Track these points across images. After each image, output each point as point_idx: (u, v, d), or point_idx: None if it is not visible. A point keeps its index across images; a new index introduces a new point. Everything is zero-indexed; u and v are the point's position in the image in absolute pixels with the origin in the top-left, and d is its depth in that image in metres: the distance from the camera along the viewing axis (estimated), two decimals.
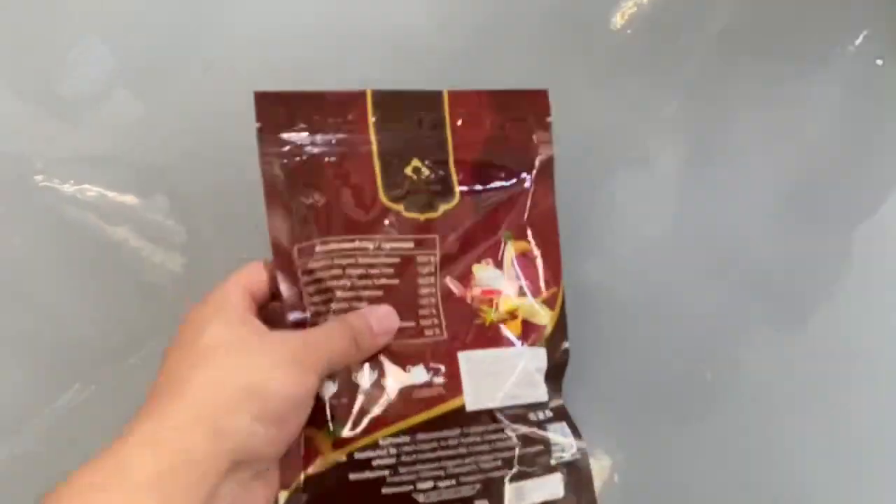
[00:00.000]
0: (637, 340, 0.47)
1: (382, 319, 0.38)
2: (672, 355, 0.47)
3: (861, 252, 0.48)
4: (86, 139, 0.45)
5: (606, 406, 0.46)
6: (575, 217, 0.46)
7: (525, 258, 0.42)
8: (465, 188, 0.41)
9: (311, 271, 0.39)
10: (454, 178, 0.41)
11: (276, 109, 0.39)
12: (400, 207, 0.40)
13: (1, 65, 0.45)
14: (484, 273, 0.41)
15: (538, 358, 0.40)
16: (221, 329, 0.35)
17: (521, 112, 0.42)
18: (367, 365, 0.38)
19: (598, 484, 0.42)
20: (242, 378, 0.33)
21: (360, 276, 0.39)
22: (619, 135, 0.49)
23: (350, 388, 0.37)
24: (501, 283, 0.41)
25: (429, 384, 0.38)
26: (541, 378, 0.40)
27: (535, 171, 0.42)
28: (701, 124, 0.49)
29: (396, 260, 0.40)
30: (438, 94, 0.41)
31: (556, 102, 0.42)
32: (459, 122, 0.41)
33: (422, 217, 0.40)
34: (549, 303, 0.41)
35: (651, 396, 0.46)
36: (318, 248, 0.39)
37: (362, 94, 0.40)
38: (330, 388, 0.37)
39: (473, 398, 0.38)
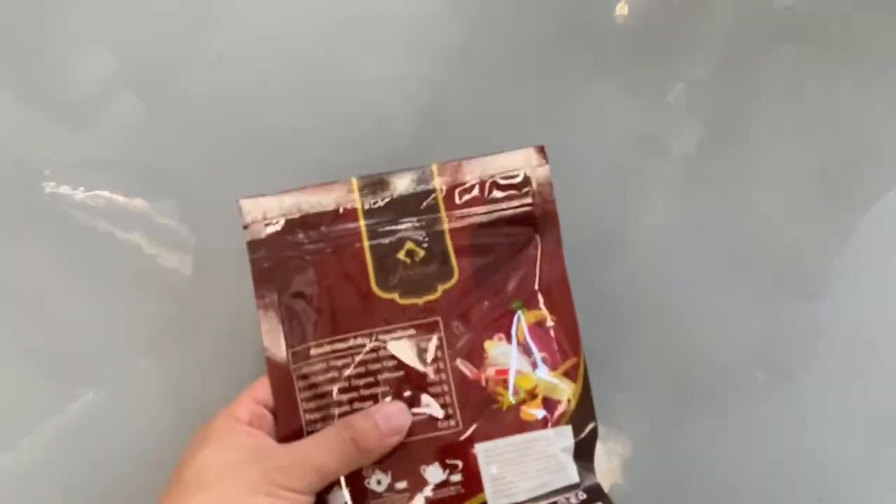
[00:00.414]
0: (663, 335, 0.45)
1: (391, 418, 0.36)
2: (699, 347, 0.45)
3: (891, 235, 0.46)
4: (92, 144, 0.45)
5: (636, 398, 0.45)
6: (590, 211, 0.45)
7: (540, 328, 0.39)
8: (464, 263, 0.39)
9: (305, 376, 0.37)
10: (451, 254, 0.39)
11: (261, 211, 0.38)
12: (395, 296, 0.38)
13: (6, 72, 0.45)
14: (496, 350, 0.38)
15: (564, 437, 0.37)
16: (212, 455, 0.34)
17: (517, 173, 0.39)
18: (378, 468, 0.36)
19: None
20: None
21: (359, 375, 0.37)
22: (628, 123, 0.47)
23: (362, 495, 0.36)
24: (516, 359, 0.38)
25: (446, 483, 0.36)
26: (569, 458, 0.37)
27: (538, 234, 0.39)
28: (713, 111, 0.47)
29: (398, 351, 0.38)
30: (426, 169, 0.39)
31: (561, 93, 0.43)
32: (452, 195, 0.39)
33: (420, 301, 0.38)
34: (569, 375, 0.38)
35: (682, 390, 0.44)
36: (312, 352, 0.37)
37: (347, 183, 0.39)
38: (340, 497, 0.36)
39: (496, 495, 0.36)
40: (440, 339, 0.38)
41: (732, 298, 0.45)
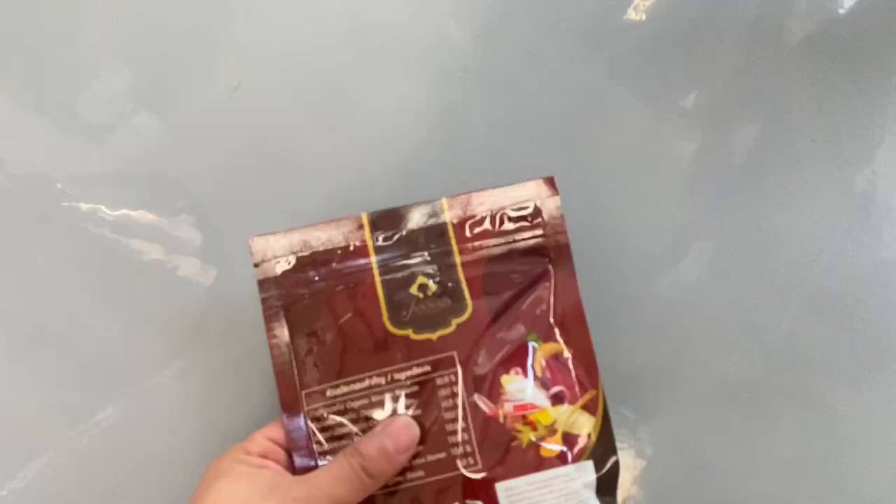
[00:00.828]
0: (699, 359, 0.44)
1: (398, 435, 0.35)
2: (741, 371, 0.44)
3: None
4: (110, 160, 0.45)
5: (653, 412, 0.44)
6: (607, 224, 0.45)
7: (556, 361, 0.38)
8: (477, 297, 0.38)
9: (319, 418, 0.37)
10: (464, 287, 0.38)
11: (271, 250, 0.38)
12: (409, 332, 0.37)
13: (24, 88, 0.46)
14: (514, 385, 0.37)
15: (585, 473, 0.36)
16: (225, 488, 0.34)
17: (527, 205, 0.39)
18: None
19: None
20: None
21: (378, 416, 0.36)
22: (640, 127, 0.46)
23: None
24: (534, 394, 0.37)
25: None
26: (591, 495, 0.36)
27: (552, 265, 0.39)
28: (726, 121, 0.46)
29: (415, 389, 0.37)
30: (437, 202, 0.39)
31: (574, 98, 0.43)
32: (463, 229, 0.39)
33: (434, 336, 0.37)
34: (589, 408, 0.38)
35: (722, 404, 0.44)
36: (328, 393, 0.37)
37: (358, 219, 0.38)
38: None
39: None
40: (456, 374, 0.37)
41: (752, 314, 0.44)
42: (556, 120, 0.46)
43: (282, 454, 0.36)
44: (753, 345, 0.44)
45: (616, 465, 0.37)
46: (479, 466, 0.36)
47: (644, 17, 0.46)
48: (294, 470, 0.36)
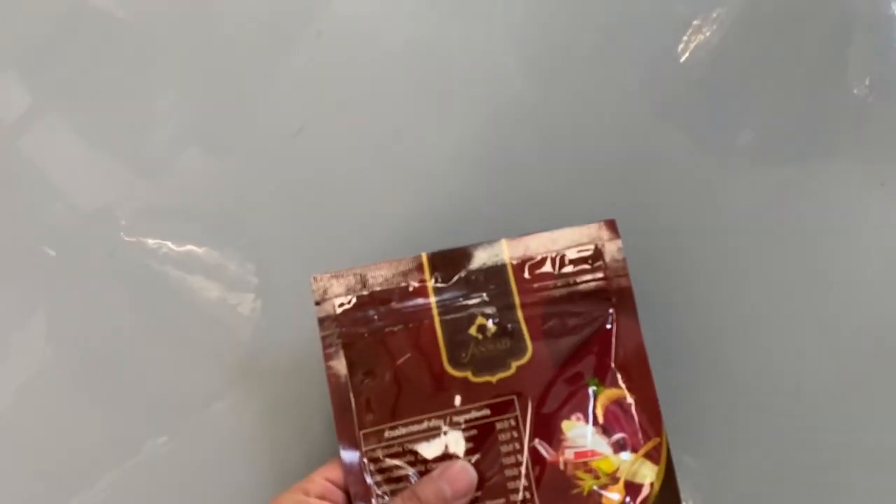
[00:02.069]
0: (750, 404, 0.43)
1: (456, 480, 0.35)
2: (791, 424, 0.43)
3: None
4: (166, 195, 0.46)
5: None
6: (668, 267, 0.44)
7: (618, 407, 0.37)
8: (537, 339, 0.38)
9: (377, 459, 0.36)
10: (524, 330, 0.38)
11: (332, 289, 0.38)
12: (468, 374, 0.37)
13: (92, 126, 0.47)
14: (575, 431, 0.37)
15: None
16: None
17: (588, 248, 0.38)
18: None
19: None
20: None
21: (436, 459, 0.36)
22: (693, 168, 0.45)
23: None
24: (595, 440, 0.37)
25: None
26: None
27: (613, 308, 0.38)
28: (781, 159, 0.45)
29: (474, 432, 0.36)
30: (496, 243, 0.39)
31: (629, 135, 0.44)
32: (523, 271, 0.38)
33: (494, 378, 0.37)
34: (651, 456, 0.36)
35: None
36: (386, 434, 0.36)
37: (417, 259, 0.38)
38: None
39: None
40: (516, 419, 0.36)
41: (815, 358, 0.43)
42: (614, 161, 0.45)
43: (340, 496, 0.36)
44: (818, 389, 0.43)
45: None
46: None
47: (699, 56, 0.45)
48: None
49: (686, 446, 0.41)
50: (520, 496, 0.35)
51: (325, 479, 0.36)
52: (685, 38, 0.46)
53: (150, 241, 0.45)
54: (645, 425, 0.37)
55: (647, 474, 0.36)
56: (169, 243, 0.45)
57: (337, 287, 0.38)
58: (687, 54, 0.45)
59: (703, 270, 0.44)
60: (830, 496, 0.42)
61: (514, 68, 0.46)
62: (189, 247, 0.45)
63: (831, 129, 0.45)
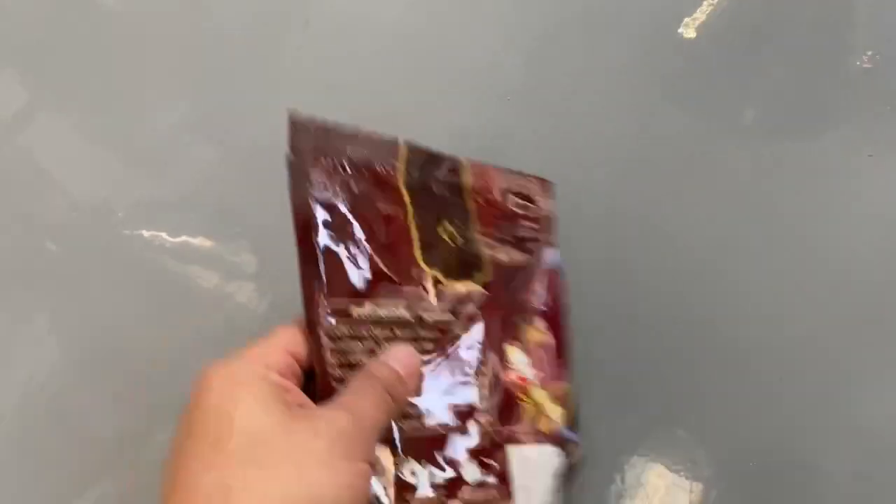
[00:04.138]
0: (742, 376, 0.41)
1: (404, 360, 0.32)
2: (788, 390, 0.41)
3: None
4: (167, 187, 0.46)
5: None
6: (667, 245, 0.43)
7: (539, 347, 0.38)
8: (491, 264, 0.37)
9: (338, 337, 0.31)
10: (482, 249, 0.37)
11: (310, 139, 0.33)
12: (438, 273, 0.34)
13: (89, 120, 0.47)
14: (516, 357, 0.36)
15: (558, 458, 0.36)
16: (258, 419, 0.26)
17: (532, 198, 0.39)
18: (413, 459, 0.31)
19: None
20: (293, 492, 0.25)
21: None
22: (694, 144, 0.46)
23: (400, 487, 0.30)
24: (528, 370, 0.36)
25: (483, 485, 0.32)
26: (561, 481, 0.36)
27: (542, 260, 0.39)
28: (784, 135, 0.45)
29: (437, 334, 0.33)
30: (460, 161, 0.37)
31: (629, 113, 0.45)
32: (478, 194, 0.38)
33: (461, 285, 0.35)
34: (561, 400, 0.37)
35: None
36: (353, 312, 0.32)
37: (395, 143, 0.35)
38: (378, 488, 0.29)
39: None
40: (479, 330, 0.35)
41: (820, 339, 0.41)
42: (610, 140, 0.45)
43: (299, 374, 0.30)
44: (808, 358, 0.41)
45: (580, 456, 0.37)
46: (498, 426, 0.33)
47: (695, 34, 0.47)
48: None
49: (680, 420, 0.41)
50: (482, 405, 0.33)
51: (287, 351, 0.29)
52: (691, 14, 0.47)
53: (149, 233, 0.45)
54: (557, 370, 0.38)
55: (555, 415, 0.37)
56: (166, 234, 0.45)
57: (316, 139, 0.33)
58: (693, 31, 0.47)
59: (702, 247, 0.44)
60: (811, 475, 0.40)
61: (509, 47, 0.47)
62: (186, 237, 0.45)
63: (824, 102, 0.46)
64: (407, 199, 0.35)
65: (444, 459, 0.31)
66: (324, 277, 0.31)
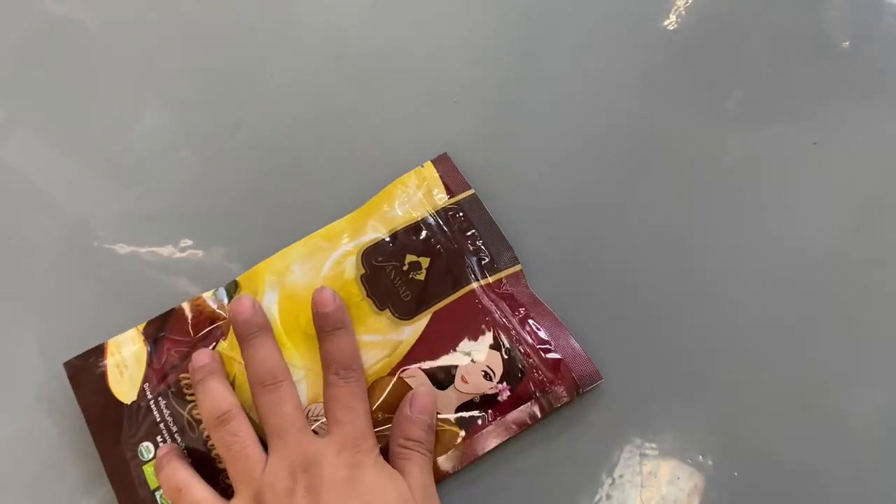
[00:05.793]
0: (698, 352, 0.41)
1: (426, 404, 0.38)
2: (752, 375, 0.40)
3: None
4: (145, 200, 0.46)
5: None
6: (635, 223, 0.43)
7: None
8: None
9: None
10: None
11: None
12: None
13: (66, 134, 0.47)
14: None
15: None
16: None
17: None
18: None
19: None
20: None
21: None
22: (677, 133, 0.46)
23: None
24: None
25: None
26: None
27: None
28: (764, 124, 0.46)
29: None
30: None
31: (608, 103, 0.46)
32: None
33: None
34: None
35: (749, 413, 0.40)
36: None
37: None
38: None
39: None
40: None
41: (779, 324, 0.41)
42: (598, 137, 0.45)
43: None
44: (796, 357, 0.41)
45: None
46: None
47: (678, 24, 0.47)
48: None
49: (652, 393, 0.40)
50: None
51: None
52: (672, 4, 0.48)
53: (132, 247, 0.45)
54: None
55: None
56: (149, 247, 0.45)
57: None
58: (673, 21, 0.47)
59: (693, 240, 0.44)
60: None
61: (492, 44, 0.48)
62: (170, 248, 0.45)
63: (807, 88, 0.46)
64: None
65: None
66: None
